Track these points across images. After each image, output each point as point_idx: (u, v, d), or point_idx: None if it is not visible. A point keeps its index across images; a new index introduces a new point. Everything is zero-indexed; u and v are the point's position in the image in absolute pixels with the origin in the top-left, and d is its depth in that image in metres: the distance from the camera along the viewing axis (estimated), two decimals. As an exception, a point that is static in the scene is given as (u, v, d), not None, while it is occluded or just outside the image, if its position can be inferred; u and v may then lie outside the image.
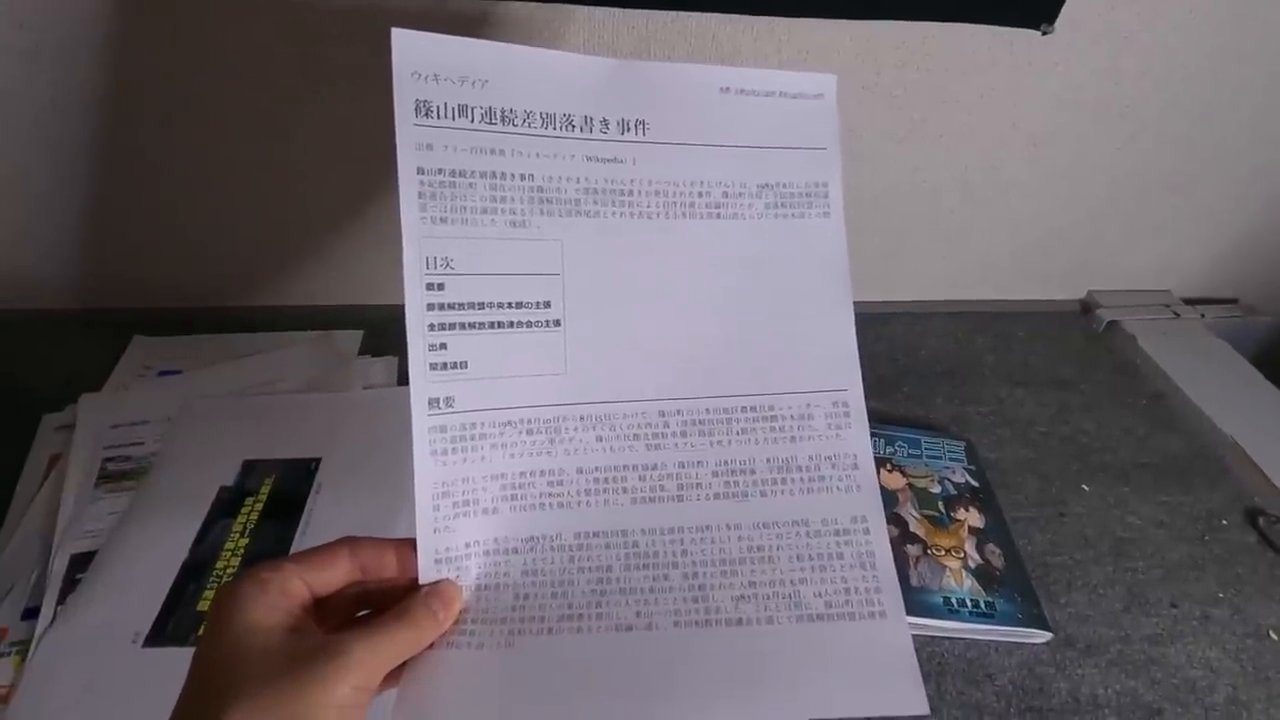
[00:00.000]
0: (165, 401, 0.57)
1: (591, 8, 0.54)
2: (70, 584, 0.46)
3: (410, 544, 0.32)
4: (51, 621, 0.44)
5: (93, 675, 0.42)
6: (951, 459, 0.59)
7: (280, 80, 0.56)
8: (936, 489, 0.56)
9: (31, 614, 0.45)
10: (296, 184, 0.63)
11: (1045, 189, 0.70)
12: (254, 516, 0.50)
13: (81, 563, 0.47)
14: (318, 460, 0.54)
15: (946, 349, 0.73)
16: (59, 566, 0.47)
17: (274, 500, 0.51)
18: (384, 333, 0.66)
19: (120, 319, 0.66)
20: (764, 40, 0.57)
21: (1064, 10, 0.56)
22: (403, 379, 0.60)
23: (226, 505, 0.51)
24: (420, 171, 0.32)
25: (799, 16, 0.56)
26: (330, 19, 0.53)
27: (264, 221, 0.65)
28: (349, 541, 0.31)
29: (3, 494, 0.52)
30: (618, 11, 0.55)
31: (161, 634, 0.44)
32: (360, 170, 0.62)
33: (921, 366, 0.70)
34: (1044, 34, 0.57)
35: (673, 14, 0.55)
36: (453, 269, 0.33)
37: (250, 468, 0.53)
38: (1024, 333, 0.75)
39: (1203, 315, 0.78)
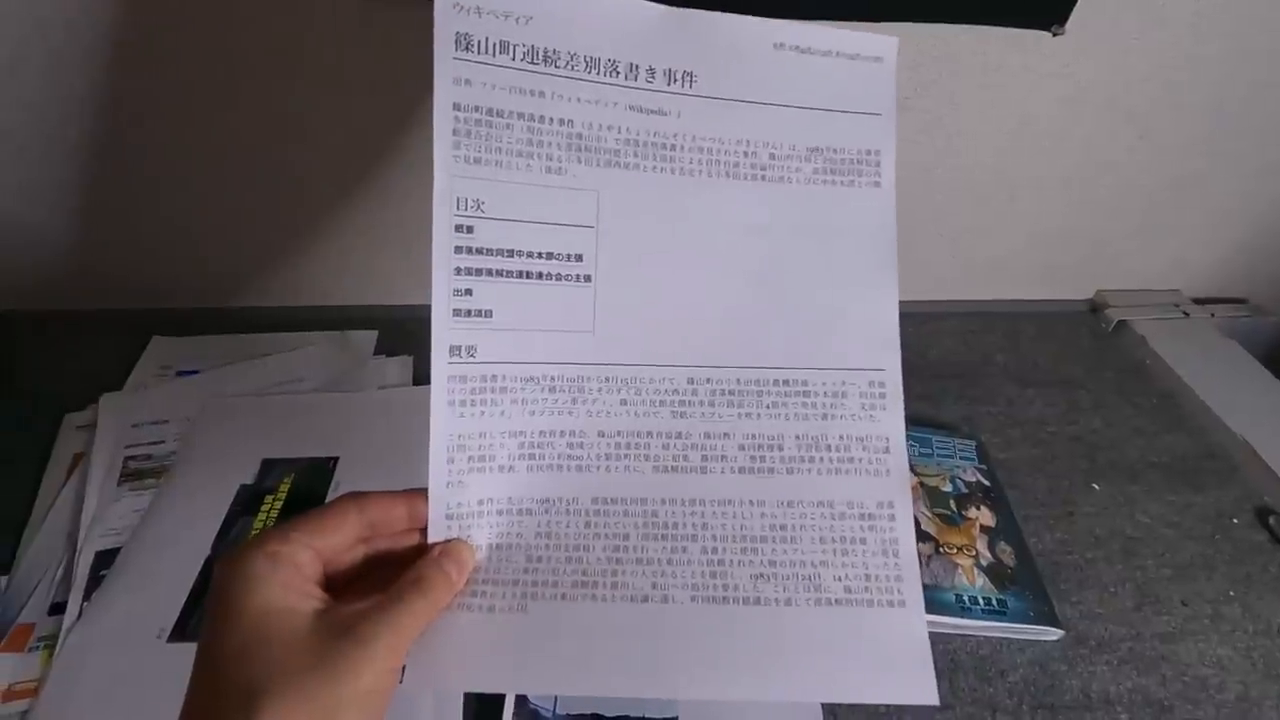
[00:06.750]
0: (184, 401, 0.58)
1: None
2: (95, 580, 0.47)
3: (420, 495, 0.31)
4: (78, 617, 0.45)
5: (118, 670, 0.43)
6: (962, 458, 0.59)
7: (297, 82, 0.57)
8: (948, 487, 0.56)
9: (58, 609, 0.46)
10: (313, 185, 0.64)
11: (1055, 189, 0.70)
12: (274, 514, 0.51)
13: (106, 559, 0.48)
14: (335, 459, 0.54)
15: (956, 349, 0.73)
16: (84, 563, 0.48)
17: (293, 498, 0.52)
18: (399, 333, 0.67)
19: (139, 320, 0.67)
20: (775, 43, 0.57)
21: (1074, 12, 0.56)
22: (418, 379, 0.63)
23: (247, 503, 0.51)
24: (457, 108, 0.31)
25: (809, 19, 0.56)
26: (346, 19, 0.54)
27: (280, 223, 0.66)
28: (356, 498, 0.30)
29: (28, 492, 0.53)
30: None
31: (185, 629, 0.44)
32: (377, 171, 0.63)
33: (932, 366, 0.71)
34: (1055, 35, 0.57)
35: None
36: (484, 212, 0.32)
37: (269, 466, 0.54)
38: (1033, 332, 0.76)
39: (1212, 315, 0.78)
